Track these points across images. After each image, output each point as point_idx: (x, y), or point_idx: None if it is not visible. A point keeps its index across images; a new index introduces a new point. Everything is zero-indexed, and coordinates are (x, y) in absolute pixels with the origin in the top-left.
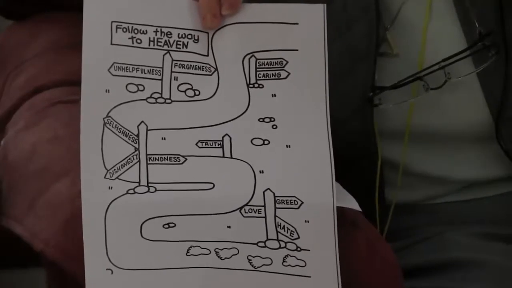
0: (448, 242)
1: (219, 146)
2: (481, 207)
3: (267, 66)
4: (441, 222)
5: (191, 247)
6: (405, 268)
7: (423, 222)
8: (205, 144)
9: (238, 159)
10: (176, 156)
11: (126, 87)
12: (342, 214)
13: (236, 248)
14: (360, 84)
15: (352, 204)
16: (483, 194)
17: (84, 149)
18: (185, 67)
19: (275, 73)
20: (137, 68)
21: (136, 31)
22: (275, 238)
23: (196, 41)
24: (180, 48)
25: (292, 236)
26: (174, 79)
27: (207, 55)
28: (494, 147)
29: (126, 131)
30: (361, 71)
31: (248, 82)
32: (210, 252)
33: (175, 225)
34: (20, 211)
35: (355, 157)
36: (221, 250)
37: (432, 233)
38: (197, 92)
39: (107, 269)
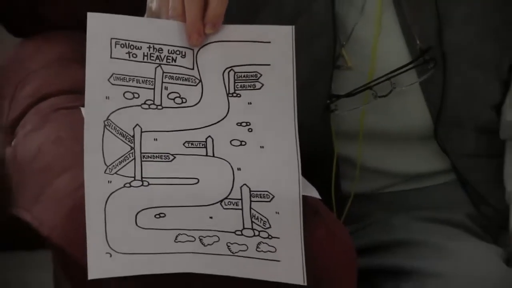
0: (395, 225)
1: (203, 146)
2: (423, 195)
3: (244, 78)
4: (389, 208)
5: (178, 234)
6: (358, 248)
7: (373, 209)
8: (191, 145)
9: (219, 158)
10: (166, 155)
11: (124, 94)
12: (305, 202)
13: (217, 236)
14: (319, 93)
15: (314, 193)
16: (425, 184)
17: (87, 148)
18: (174, 78)
19: (250, 84)
20: (133, 78)
21: (132, 46)
22: (250, 227)
23: (183, 56)
24: (169, 62)
25: (265, 226)
26: (165, 89)
27: (193, 69)
28: (433, 145)
29: (123, 132)
30: (320, 82)
31: (227, 92)
32: (195, 239)
33: (165, 215)
34: (28, 201)
35: (316, 155)
36: (204, 237)
37: (381, 218)
38: (184, 100)
39: (106, 253)
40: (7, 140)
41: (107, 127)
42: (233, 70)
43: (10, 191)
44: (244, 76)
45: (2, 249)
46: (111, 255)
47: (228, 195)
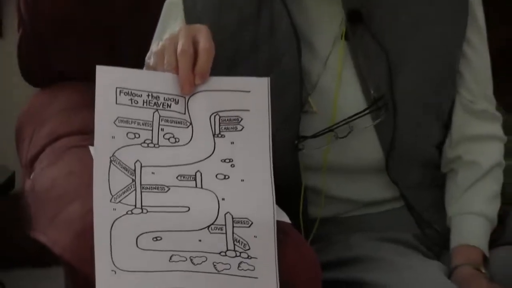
0: (353, 244)
1: (193, 179)
2: (376, 219)
3: (227, 121)
4: (349, 230)
5: (172, 255)
6: (323, 263)
7: (335, 230)
8: (183, 178)
9: (207, 189)
10: (162, 186)
11: (127, 135)
12: (278, 227)
13: (205, 256)
14: (289, 135)
15: (285, 218)
16: (378, 210)
17: (96, 180)
18: (169, 121)
19: (233, 126)
20: (134, 121)
21: (134, 94)
22: (233, 249)
23: (177, 103)
24: (165, 108)
25: (245, 248)
26: (161, 130)
27: (185, 113)
28: (385, 177)
29: (126, 167)
30: (290, 125)
31: (214, 133)
32: (186, 259)
33: (161, 238)
34: (44, 225)
35: (288, 186)
36: (194, 257)
37: (342, 238)
38: (177, 140)
39: (111, 270)
40: (27, 173)
41: (113, 162)
42: (218, 115)
43: (29, 217)
44: (227, 119)
45: (20, 266)
46: (115, 272)
47: (214, 221)
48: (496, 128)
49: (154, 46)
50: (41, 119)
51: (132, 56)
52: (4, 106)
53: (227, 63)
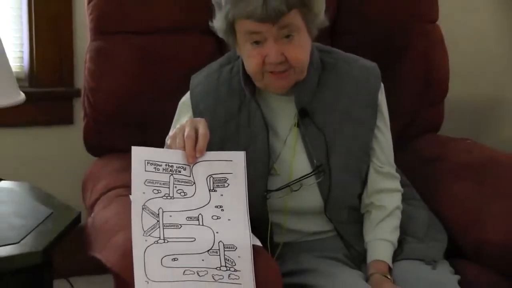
0: (302, 260)
1: (197, 219)
2: (318, 244)
3: (218, 181)
4: (299, 250)
5: (185, 270)
6: (282, 273)
7: (291, 251)
8: (190, 219)
9: (206, 226)
10: (177, 225)
11: (152, 191)
12: (254, 249)
13: (207, 271)
14: (260, 189)
15: (258, 243)
16: (319, 237)
17: (133, 220)
18: (180, 181)
19: (222, 184)
20: (157, 182)
21: (156, 164)
22: (225, 265)
23: (184, 169)
24: (177, 173)
25: (232, 264)
26: (175, 187)
27: (190, 176)
28: (324, 216)
29: (153, 212)
30: (260, 183)
31: (209, 189)
32: (194, 273)
33: (177, 259)
34: (100, 248)
35: (259, 222)
36: (200, 271)
37: (295, 256)
38: (186, 194)
39: (145, 281)
40: (89, 213)
41: (144, 209)
42: (212, 177)
43: (90, 243)
44: (218, 180)
45: (83, 274)
46: (148, 282)
47: (212, 247)
48: (396, 184)
49: (170, 132)
50: (98, 177)
51: (157, 137)
52: (75, 169)
53: (218, 143)
